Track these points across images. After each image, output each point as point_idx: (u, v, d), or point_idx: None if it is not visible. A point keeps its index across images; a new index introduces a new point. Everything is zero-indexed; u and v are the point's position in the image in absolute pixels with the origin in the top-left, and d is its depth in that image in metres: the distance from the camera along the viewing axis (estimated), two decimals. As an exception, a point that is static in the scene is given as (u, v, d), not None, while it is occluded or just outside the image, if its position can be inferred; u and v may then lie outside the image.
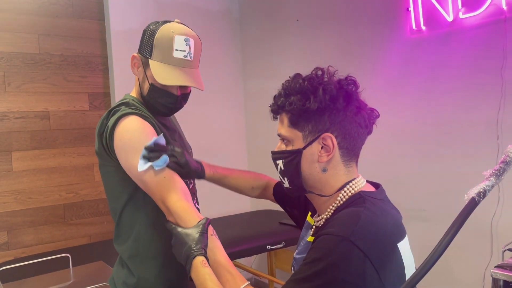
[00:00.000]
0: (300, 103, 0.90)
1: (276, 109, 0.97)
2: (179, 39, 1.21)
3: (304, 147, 0.93)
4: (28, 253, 2.72)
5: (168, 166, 1.14)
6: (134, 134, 1.18)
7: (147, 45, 1.24)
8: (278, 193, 1.33)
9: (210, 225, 1.06)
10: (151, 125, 1.23)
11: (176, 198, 1.10)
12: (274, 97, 0.97)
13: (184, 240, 0.99)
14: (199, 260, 0.94)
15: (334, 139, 0.91)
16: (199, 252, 0.95)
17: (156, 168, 1.11)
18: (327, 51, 2.85)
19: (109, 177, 1.28)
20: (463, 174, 2.19)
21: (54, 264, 2.08)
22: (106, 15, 3.00)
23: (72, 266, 2.05)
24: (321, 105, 0.89)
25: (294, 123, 0.93)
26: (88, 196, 2.97)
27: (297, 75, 0.95)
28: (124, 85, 2.93)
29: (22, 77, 2.75)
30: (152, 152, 1.11)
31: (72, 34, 2.92)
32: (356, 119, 0.92)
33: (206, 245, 0.99)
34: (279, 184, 1.31)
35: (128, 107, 1.23)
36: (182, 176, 1.20)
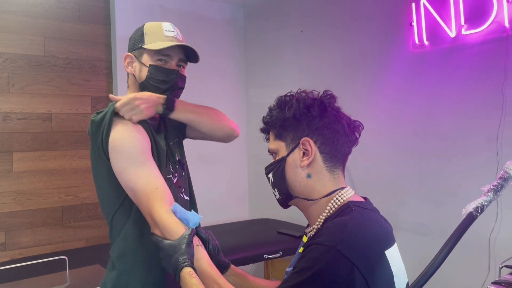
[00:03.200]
0: (279, 115, 0.99)
1: (264, 128, 1.06)
2: (166, 24, 1.35)
3: (287, 155, 0.99)
4: (24, 255, 2.71)
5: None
6: (127, 139, 1.20)
7: (137, 38, 1.34)
8: None
9: (196, 236, 1.07)
10: (143, 128, 1.26)
11: (164, 210, 1.10)
12: (262, 118, 1.05)
13: (170, 252, 1.01)
14: (186, 271, 0.96)
15: (311, 142, 0.96)
16: (186, 263, 0.97)
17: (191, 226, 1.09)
18: (330, 63, 2.87)
19: (106, 176, 1.27)
20: (462, 188, 2.19)
21: (51, 266, 2.08)
22: (112, 20, 3.03)
23: (69, 269, 2.04)
24: (297, 113, 0.97)
25: (277, 135, 1.02)
26: (87, 199, 2.97)
27: (279, 96, 1.03)
28: (127, 89, 2.95)
29: (26, 78, 2.77)
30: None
31: (78, 37, 2.95)
32: (335, 126, 0.97)
33: (192, 256, 1.00)
34: None
35: None
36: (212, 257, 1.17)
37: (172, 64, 1.32)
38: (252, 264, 3.36)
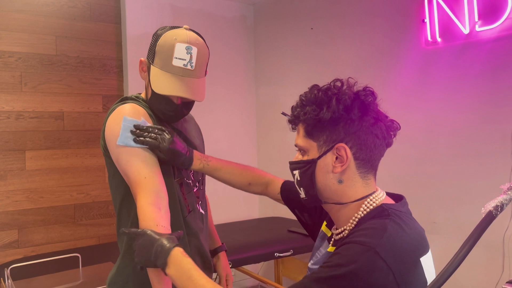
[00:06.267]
0: (314, 113, 0.90)
1: (293, 120, 0.97)
2: (180, 47, 1.19)
3: (319, 157, 0.92)
4: (37, 252, 2.74)
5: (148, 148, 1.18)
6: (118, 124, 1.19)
7: (151, 51, 1.24)
8: (286, 192, 1.27)
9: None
10: (148, 114, 1.25)
11: (146, 201, 1.09)
12: (292, 108, 0.97)
13: (155, 238, 0.96)
14: (179, 251, 0.92)
15: (348, 150, 0.90)
16: (175, 244, 0.93)
17: (130, 146, 1.15)
18: (341, 61, 2.86)
19: (109, 168, 1.29)
20: (475, 187, 2.17)
21: (64, 263, 2.10)
22: (123, 19, 3.04)
23: (82, 266, 2.06)
24: (335, 115, 0.89)
25: (309, 133, 0.93)
26: (98, 197, 2.99)
27: (314, 86, 0.95)
28: (138, 88, 2.96)
29: (39, 77, 2.79)
30: (136, 132, 1.15)
31: (89, 36, 2.96)
32: (373, 130, 0.91)
33: (179, 245, 0.97)
34: (287, 183, 1.27)
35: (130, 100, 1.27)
36: (165, 162, 1.21)
37: (174, 96, 1.24)
38: (262, 263, 3.35)
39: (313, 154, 0.93)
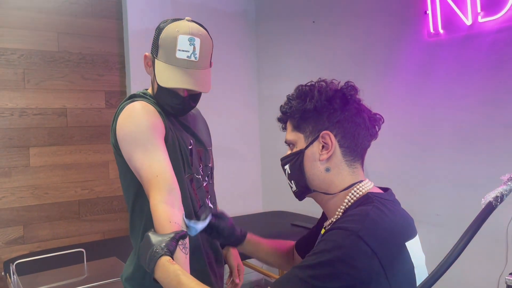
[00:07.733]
0: (299, 106, 0.97)
1: (282, 118, 1.04)
2: (182, 38, 1.19)
3: (306, 147, 0.97)
4: (43, 248, 2.76)
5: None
6: (135, 124, 1.18)
7: (155, 45, 1.24)
8: (298, 249, 1.29)
9: (185, 240, 1.05)
10: (157, 112, 1.23)
11: (158, 199, 1.09)
12: (280, 107, 1.03)
13: (151, 242, 0.99)
14: (165, 259, 0.95)
15: (332, 136, 0.95)
16: (164, 252, 0.96)
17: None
18: (343, 54, 2.84)
19: (121, 167, 1.29)
20: (478, 179, 2.16)
21: (69, 258, 2.12)
22: (124, 15, 3.04)
23: (86, 261, 2.08)
24: (318, 105, 0.95)
25: (296, 127, 0.99)
26: (102, 193, 3.01)
27: (299, 85, 1.01)
28: (140, 83, 2.97)
29: (41, 74, 2.80)
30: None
31: (91, 33, 2.97)
32: (356, 120, 0.96)
33: (172, 252, 0.98)
34: (298, 242, 1.30)
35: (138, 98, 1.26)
36: (223, 239, 1.24)
37: (180, 88, 1.23)
38: (266, 256, 3.36)
39: (300, 145, 0.98)
